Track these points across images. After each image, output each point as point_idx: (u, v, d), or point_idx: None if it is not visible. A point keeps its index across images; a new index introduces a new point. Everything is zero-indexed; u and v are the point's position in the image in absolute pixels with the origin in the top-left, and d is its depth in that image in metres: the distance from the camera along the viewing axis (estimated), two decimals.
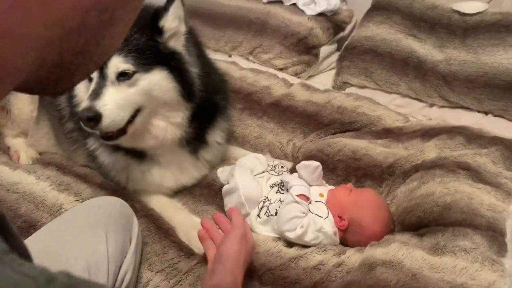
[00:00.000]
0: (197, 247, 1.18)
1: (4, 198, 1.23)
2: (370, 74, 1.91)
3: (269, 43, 2.13)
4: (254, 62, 2.16)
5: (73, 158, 1.44)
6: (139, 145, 1.21)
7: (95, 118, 1.04)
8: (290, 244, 1.15)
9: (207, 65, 1.28)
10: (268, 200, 1.22)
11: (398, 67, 1.86)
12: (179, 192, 1.38)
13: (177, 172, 1.30)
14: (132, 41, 1.09)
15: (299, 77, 2.07)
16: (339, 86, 2.00)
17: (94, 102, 1.05)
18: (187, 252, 1.15)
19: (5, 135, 1.57)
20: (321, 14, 2.22)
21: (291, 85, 1.87)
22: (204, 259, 1.09)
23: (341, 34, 2.27)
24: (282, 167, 1.32)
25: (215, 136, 1.33)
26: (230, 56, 2.27)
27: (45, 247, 0.93)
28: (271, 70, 1.99)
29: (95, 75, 1.09)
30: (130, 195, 1.31)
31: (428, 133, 1.46)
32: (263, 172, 1.29)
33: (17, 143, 1.54)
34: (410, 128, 1.57)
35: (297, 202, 1.13)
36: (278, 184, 1.25)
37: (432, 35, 1.91)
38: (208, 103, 1.26)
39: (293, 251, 1.12)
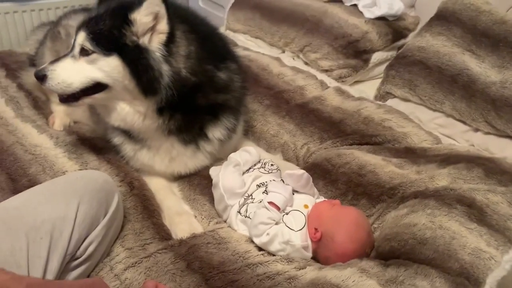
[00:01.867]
0: (175, 232, 1.22)
1: (20, 157, 1.37)
2: (414, 87, 1.78)
3: (318, 43, 2.07)
4: (302, 61, 2.13)
5: (96, 130, 1.55)
6: (106, 119, 1.31)
7: (40, 77, 1.21)
8: (260, 247, 1.14)
9: (211, 64, 1.29)
10: (252, 198, 1.22)
11: (445, 84, 1.71)
12: (180, 179, 1.42)
13: (166, 158, 1.35)
14: (100, 23, 1.18)
15: (343, 81, 2.00)
16: (382, 96, 1.89)
17: (48, 65, 1.23)
18: (163, 235, 1.19)
19: (51, 101, 1.74)
20: (382, 18, 2.11)
21: (327, 88, 1.81)
22: (171, 246, 1.13)
23: (402, 41, 2.14)
24: (272, 165, 1.30)
25: (216, 133, 1.36)
26: (283, 51, 2.25)
27: (19, 205, 1.02)
28: (312, 71, 1.95)
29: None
30: (132, 173, 1.38)
31: (449, 159, 1.34)
32: (253, 168, 1.29)
33: (57, 110, 1.69)
34: (435, 151, 1.45)
35: (266, 208, 1.11)
36: (266, 185, 1.24)
37: (493, 53, 1.71)
38: (203, 102, 1.29)
39: (259, 256, 1.10)
